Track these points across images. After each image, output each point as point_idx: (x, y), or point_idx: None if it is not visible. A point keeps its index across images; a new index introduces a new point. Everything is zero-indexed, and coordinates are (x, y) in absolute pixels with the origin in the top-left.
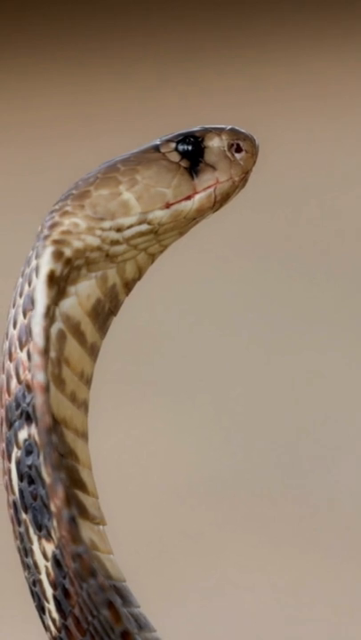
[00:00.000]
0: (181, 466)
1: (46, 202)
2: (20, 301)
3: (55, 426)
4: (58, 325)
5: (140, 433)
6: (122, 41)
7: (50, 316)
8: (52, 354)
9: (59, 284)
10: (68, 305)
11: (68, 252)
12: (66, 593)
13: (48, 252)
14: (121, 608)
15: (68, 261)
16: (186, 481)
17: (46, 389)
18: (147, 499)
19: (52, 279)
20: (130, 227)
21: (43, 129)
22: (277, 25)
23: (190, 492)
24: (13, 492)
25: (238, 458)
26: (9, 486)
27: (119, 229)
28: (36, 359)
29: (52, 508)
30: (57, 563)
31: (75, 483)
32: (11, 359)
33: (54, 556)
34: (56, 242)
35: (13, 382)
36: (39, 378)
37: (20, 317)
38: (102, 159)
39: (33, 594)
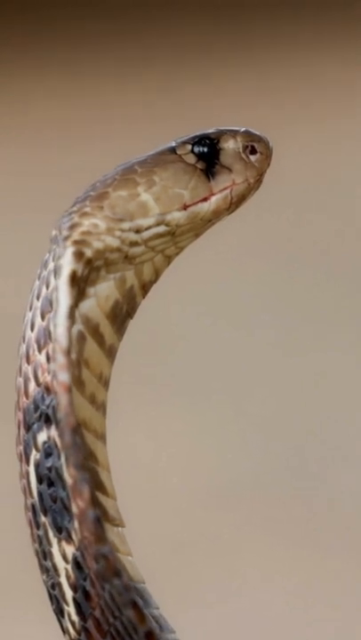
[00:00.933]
0: (199, 467)
1: (47, 202)
2: (38, 304)
3: (77, 427)
4: (78, 327)
5: (157, 434)
6: (129, 43)
7: (72, 316)
8: (73, 355)
9: (79, 285)
10: (88, 306)
11: (88, 253)
12: (86, 595)
13: (69, 252)
14: (144, 608)
15: (89, 262)
16: (204, 482)
17: (70, 390)
18: (164, 500)
19: (74, 279)
20: (148, 228)
21: (41, 131)
22: (280, 27)
23: (208, 493)
24: (32, 495)
25: (257, 459)
26: (27, 489)
27: (138, 230)
28: (60, 359)
29: (74, 509)
30: (77, 565)
31: (95, 484)
32: (29, 362)
33: (75, 558)
34: (77, 242)
35: (32, 385)
36: (63, 378)
37: (38, 320)
38: (107, 161)
39: (51, 597)
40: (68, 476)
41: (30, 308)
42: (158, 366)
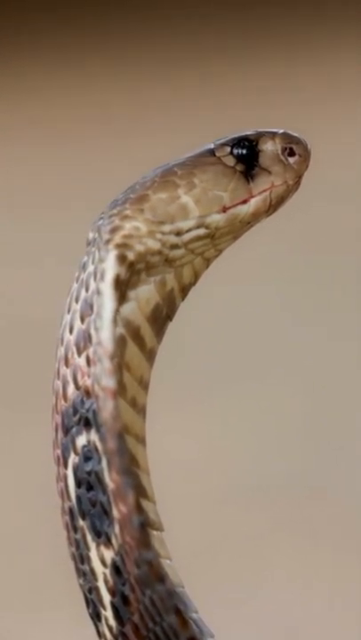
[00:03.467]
0: (231, 467)
1: (48, 203)
2: (77, 307)
3: (122, 432)
4: (119, 330)
5: (189, 434)
6: (129, 42)
7: (115, 320)
8: (114, 359)
9: (121, 288)
10: (129, 310)
11: (130, 256)
12: (125, 600)
13: (112, 255)
14: (187, 614)
15: (131, 265)
16: (236, 482)
17: (116, 395)
18: (194, 500)
19: (118, 283)
20: (188, 230)
21: (46, 129)
22: (282, 28)
23: (239, 493)
24: (70, 499)
25: (292, 459)
26: (65, 493)
27: (178, 233)
28: (106, 364)
29: (116, 514)
30: (116, 569)
31: (137, 489)
32: (67, 365)
33: (113, 563)
34: (119, 245)
35: (70, 388)
36: (109, 383)
37: (78, 323)
38: (114, 161)
39: (88, 601)
40: (111, 480)
41: (68, 311)
42: (188, 366)
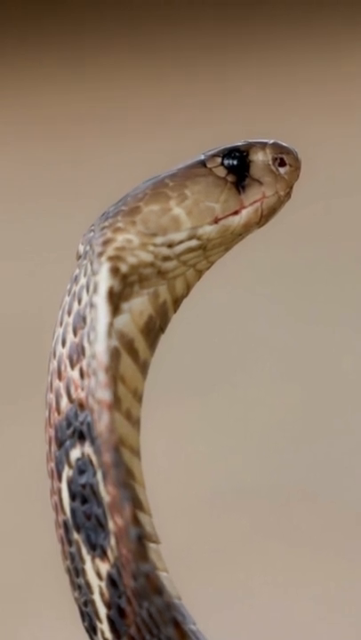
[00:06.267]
0: (205, 472)
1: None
2: (70, 320)
3: (119, 445)
4: (113, 343)
5: (174, 439)
6: (130, 42)
7: (110, 333)
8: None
9: (115, 301)
10: (122, 322)
11: (123, 268)
12: (121, 612)
13: (105, 268)
14: (185, 626)
15: (124, 277)
16: (210, 487)
17: (112, 407)
18: (169, 505)
19: (112, 296)
20: (180, 242)
21: (42, 130)
22: (281, 31)
23: (214, 498)
24: (64, 512)
25: (264, 464)
26: (59, 506)
27: (170, 245)
28: (102, 377)
29: (112, 526)
30: (112, 582)
31: (133, 502)
32: (60, 378)
33: (109, 576)
34: (112, 258)
35: (64, 401)
36: (105, 396)
37: (70, 336)
38: (109, 162)
39: (83, 614)
40: (107, 493)
41: (60, 324)
42: (169, 368)
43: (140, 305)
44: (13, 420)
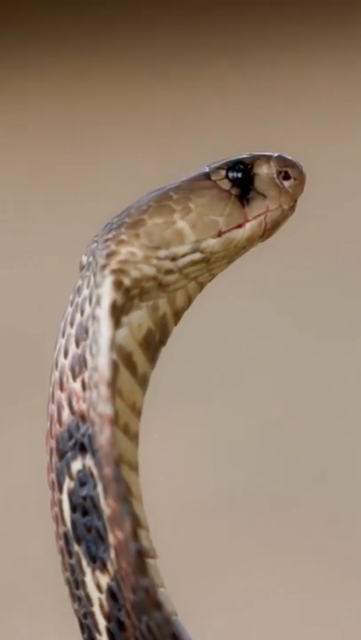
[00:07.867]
0: (192, 479)
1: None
2: (72, 331)
3: (119, 460)
4: (112, 356)
5: (157, 448)
6: (131, 42)
7: (113, 347)
8: None
9: (117, 314)
10: (121, 335)
11: (127, 282)
12: (121, 625)
13: (108, 281)
14: None
15: (127, 291)
16: (197, 494)
17: (113, 422)
18: (163, 514)
19: (114, 309)
20: (184, 255)
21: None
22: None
23: (201, 505)
24: (64, 524)
25: (252, 470)
26: (59, 518)
27: (173, 258)
28: (103, 390)
29: (112, 540)
30: (112, 595)
31: (131, 517)
32: (62, 389)
33: (109, 589)
34: (115, 271)
35: (65, 413)
36: (106, 410)
37: (72, 347)
38: (108, 166)
39: (83, 626)
40: (107, 506)
41: (63, 335)
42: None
43: (138, 318)
44: (12, 422)
